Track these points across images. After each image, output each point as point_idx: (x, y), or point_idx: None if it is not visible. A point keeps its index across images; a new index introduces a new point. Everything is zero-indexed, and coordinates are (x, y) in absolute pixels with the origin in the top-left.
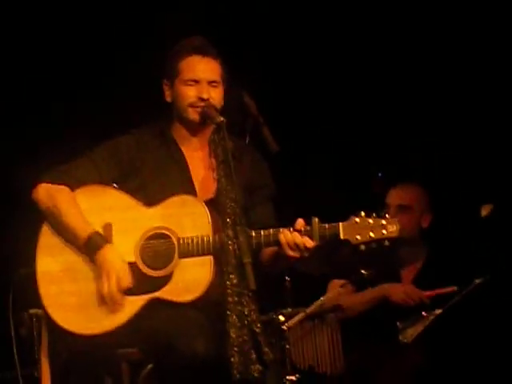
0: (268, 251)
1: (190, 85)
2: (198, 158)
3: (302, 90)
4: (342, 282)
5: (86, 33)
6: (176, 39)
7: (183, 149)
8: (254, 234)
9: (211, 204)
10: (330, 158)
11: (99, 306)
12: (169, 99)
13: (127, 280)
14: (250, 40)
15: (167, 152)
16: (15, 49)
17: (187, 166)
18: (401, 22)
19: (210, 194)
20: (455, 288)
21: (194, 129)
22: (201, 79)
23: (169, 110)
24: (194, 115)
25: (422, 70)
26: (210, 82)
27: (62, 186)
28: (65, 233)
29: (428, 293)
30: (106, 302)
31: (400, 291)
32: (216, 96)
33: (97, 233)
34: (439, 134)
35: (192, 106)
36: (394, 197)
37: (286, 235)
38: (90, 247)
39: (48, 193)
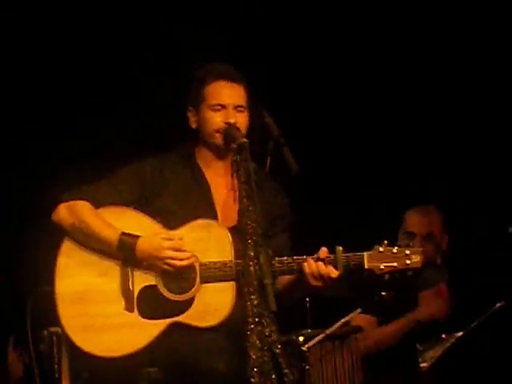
0: (284, 280)
1: (217, 110)
2: (221, 183)
3: (325, 113)
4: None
5: (111, 57)
6: (199, 63)
7: (207, 174)
8: (277, 260)
9: (233, 231)
10: (353, 184)
11: (119, 329)
12: (194, 125)
13: (178, 244)
14: (271, 61)
15: (190, 176)
16: (40, 72)
17: (210, 191)
18: (421, 46)
19: (232, 222)
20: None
21: (220, 154)
22: (227, 104)
23: (193, 136)
24: (219, 140)
25: (443, 93)
26: (236, 107)
27: (81, 201)
28: (95, 244)
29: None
30: (131, 322)
31: (428, 308)
32: (242, 121)
33: (125, 233)
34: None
35: (219, 131)
36: (419, 225)
37: (311, 265)
38: (125, 247)
39: (69, 209)
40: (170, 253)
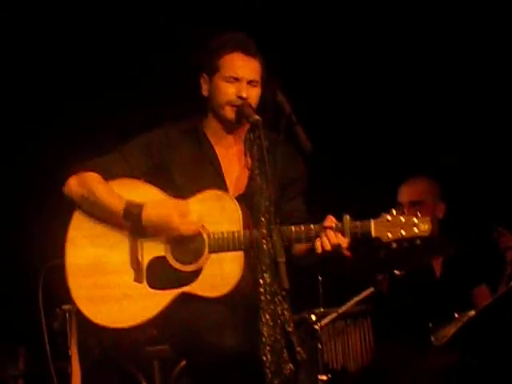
0: (300, 246)
1: (230, 82)
2: (230, 154)
3: (334, 92)
4: None
5: (118, 29)
6: (209, 36)
7: (216, 146)
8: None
9: (242, 200)
10: (362, 158)
11: (128, 300)
12: (205, 93)
13: (185, 209)
14: (284, 38)
15: (199, 148)
16: (44, 48)
17: (219, 162)
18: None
19: (241, 190)
20: None
21: (229, 126)
22: (241, 77)
23: (203, 105)
24: (230, 114)
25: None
26: (250, 81)
27: (91, 173)
28: (101, 213)
29: None
30: (140, 292)
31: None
32: (254, 95)
33: (130, 201)
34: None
35: (230, 103)
36: (404, 194)
37: (322, 234)
38: (131, 216)
39: (79, 181)
40: (176, 219)
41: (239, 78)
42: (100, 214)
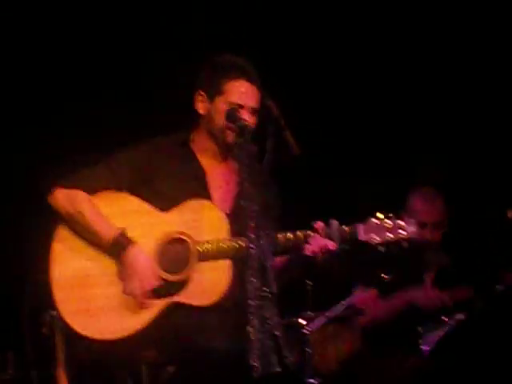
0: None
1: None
2: (218, 169)
3: (319, 93)
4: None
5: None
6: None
7: (202, 161)
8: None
9: (230, 216)
10: (348, 162)
11: (117, 312)
12: (202, 111)
13: (155, 280)
14: (273, 41)
15: (186, 162)
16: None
17: (205, 176)
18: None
19: (229, 207)
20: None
21: (224, 148)
22: (246, 105)
23: (192, 119)
24: (231, 138)
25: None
26: (252, 109)
27: (80, 192)
28: (87, 236)
29: (447, 296)
30: (128, 303)
31: (423, 296)
32: (254, 123)
33: (122, 234)
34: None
35: (231, 128)
36: (431, 214)
37: (311, 238)
38: (116, 248)
39: (67, 198)
40: (138, 283)
41: (244, 105)
42: (86, 235)
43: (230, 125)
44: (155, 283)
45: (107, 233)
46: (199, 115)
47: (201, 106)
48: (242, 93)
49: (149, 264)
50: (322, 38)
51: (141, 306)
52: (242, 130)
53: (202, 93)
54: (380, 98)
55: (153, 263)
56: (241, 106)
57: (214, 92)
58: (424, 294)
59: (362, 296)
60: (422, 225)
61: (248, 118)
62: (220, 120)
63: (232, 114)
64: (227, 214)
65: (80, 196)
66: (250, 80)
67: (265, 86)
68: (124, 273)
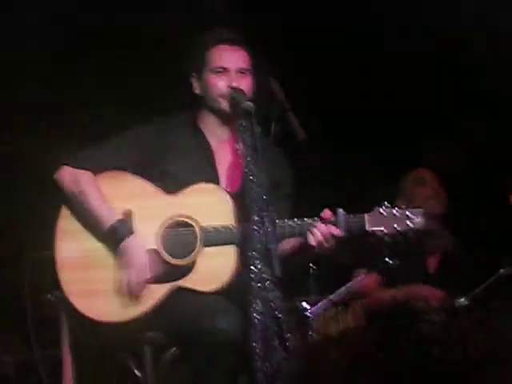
0: (288, 243)
1: (219, 72)
2: (225, 149)
3: (328, 78)
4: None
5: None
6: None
7: (211, 140)
8: (279, 223)
9: (236, 197)
10: (356, 150)
11: (122, 294)
12: (197, 91)
13: (146, 273)
14: (277, 26)
15: (193, 141)
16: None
17: (213, 156)
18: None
19: (236, 187)
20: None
21: (224, 119)
22: (229, 67)
23: (196, 102)
24: (225, 105)
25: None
26: (239, 71)
27: (87, 172)
28: (87, 218)
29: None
30: (125, 291)
31: (422, 296)
32: (245, 84)
33: (121, 221)
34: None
35: (222, 96)
36: (421, 196)
37: (314, 227)
38: (113, 236)
39: (73, 177)
40: (133, 273)
41: (228, 68)
42: (86, 217)
43: (222, 92)
44: (152, 274)
45: (106, 219)
46: (198, 97)
47: (195, 86)
48: (222, 56)
49: (144, 256)
50: (333, 27)
51: (139, 294)
52: (245, 111)
53: (194, 74)
54: (386, 85)
55: (147, 256)
56: (225, 69)
57: (200, 67)
58: (419, 294)
59: (364, 280)
60: (429, 215)
61: (236, 80)
62: (210, 91)
63: (233, 98)
64: (235, 193)
65: (85, 177)
66: (231, 43)
67: (271, 71)
68: (120, 262)
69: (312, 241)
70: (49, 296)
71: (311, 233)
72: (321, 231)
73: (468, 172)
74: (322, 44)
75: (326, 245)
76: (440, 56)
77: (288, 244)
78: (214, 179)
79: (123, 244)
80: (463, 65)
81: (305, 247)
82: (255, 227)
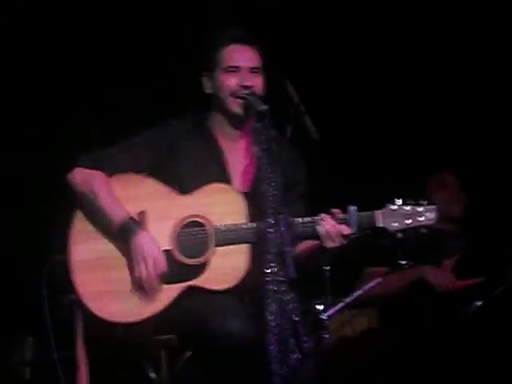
0: (304, 245)
1: (231, 71)
2: (236, 149)
3: (341, 80)
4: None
5: (124, 24)
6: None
7: (221, 141)
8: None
9: (247, 197)
10: (368, 148)
11: (135, 295)
12: (208, 90)
13: (163, 264)
14: (291, 29)
15: (204, 143)
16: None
17: (223, 157)
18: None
19: (247, 188)
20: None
21: (236, 121)
22: (241, 66)
23: (207, 102)
24: (235, 106)
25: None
26: (251, 70)
27: (99, 172)
28: (99, 218)
29: (460, 283)
30: (142, 288)
31: (435, 274)
32: (258, 83)
33: (131, 219)
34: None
35: (233, 95)
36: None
37: (325, 222)
38: (124, 233)
39: (84, 177)
40: (150, 266)
41: (239, 66)
42: (97, 217)
43: (233, 90)
44: (164, 269)
45: (117, 217)
46: (209, 96)
47: (207, 87)
48: (233, 55)
49: (156, 251)
50: (342, 28)
51: (151, 292)
52: (260, 114)
53: (205, 73)
54: (411, 86)
55: (160, 249)
56: (237, 68)
57: (212, 67)
58: (437, 272)
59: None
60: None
61: (248, 80)
62: (221, 90)
63: (248, 103)
64: (246, 193)
65: (97, 177)
66: (241, 42)
67: (285, 73)
68: (132, 258)
69: (325, 240)
70: (65, 299)
71: (324, 230)
72: (329, 222)
73: (489, 176)
74: (341, 45)
75: (337, 243)
76: (465, 56)
77: (303, 246)
78: (225, 179)
79: (135, 238)
80: (485, 66)
81: (319, 248)
82: (270, 230)
